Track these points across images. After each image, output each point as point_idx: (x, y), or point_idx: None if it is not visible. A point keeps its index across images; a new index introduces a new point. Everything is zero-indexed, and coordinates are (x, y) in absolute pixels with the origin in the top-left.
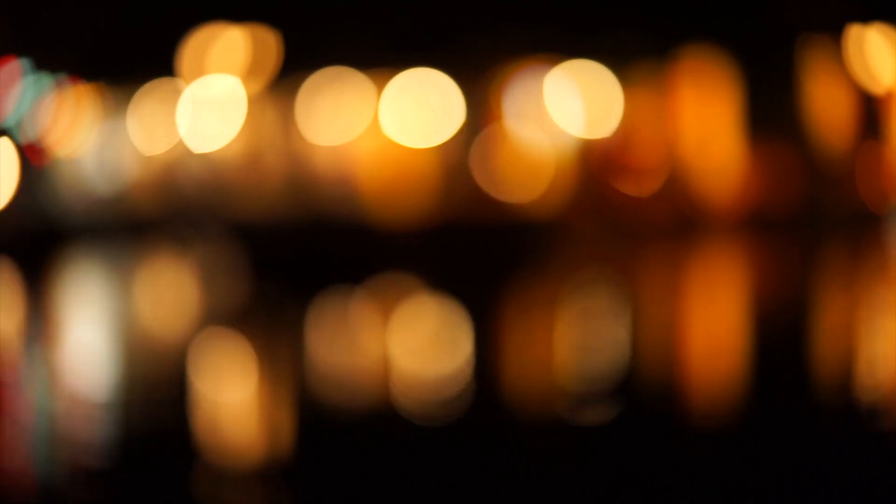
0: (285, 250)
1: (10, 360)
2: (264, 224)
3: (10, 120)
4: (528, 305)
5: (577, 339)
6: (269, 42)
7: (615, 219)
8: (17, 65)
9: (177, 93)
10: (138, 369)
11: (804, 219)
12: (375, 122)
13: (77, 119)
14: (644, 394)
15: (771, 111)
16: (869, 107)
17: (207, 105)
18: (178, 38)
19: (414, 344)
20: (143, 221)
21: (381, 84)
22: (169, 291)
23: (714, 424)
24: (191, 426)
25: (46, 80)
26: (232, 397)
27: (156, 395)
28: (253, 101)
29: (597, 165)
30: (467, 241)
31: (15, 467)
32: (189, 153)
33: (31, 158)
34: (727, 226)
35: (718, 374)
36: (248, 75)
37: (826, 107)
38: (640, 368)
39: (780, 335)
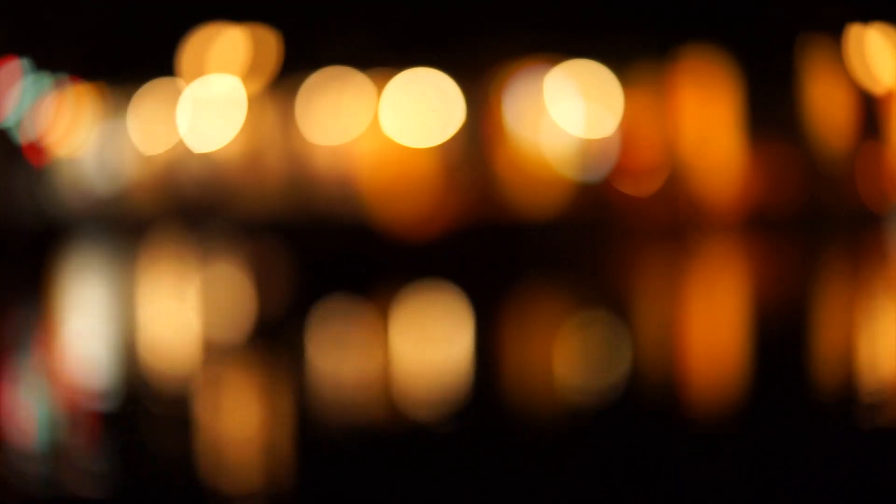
0: (285, 250)
1: (9, 363)
2: (264, 224)
3: (10, 120)
4: (529, 307)
5: (579, 339)
6: (269, 42)
7: (615, 219)
8: (17, 65)
9: (177, 93)
10: (138, 373)
11: (804, 219)
12: (375, 122)
13: (77, 119)
14: (645, 393)
15: (771, 111)
16: (869, 107)
17: (207, 105)
18: (178, 38)
19: (418, 348)
20: (143, 221)
21: (381, 84)
22: (169, 293)
23: (715, 423)
24: (193, 434)
25: (46, 80)
26: (235, 405)
27: (156, 401)
28: (253, 101)
29: (597, 165)
30: (467, 241)
31: (12, 471)
32: (189, 153)
33: (31, 158)
34: (727, 226)
35: (719, 374)
36: (248, 75)
37: (826, 107)
38: (640, 369)
39: (781, 335)
